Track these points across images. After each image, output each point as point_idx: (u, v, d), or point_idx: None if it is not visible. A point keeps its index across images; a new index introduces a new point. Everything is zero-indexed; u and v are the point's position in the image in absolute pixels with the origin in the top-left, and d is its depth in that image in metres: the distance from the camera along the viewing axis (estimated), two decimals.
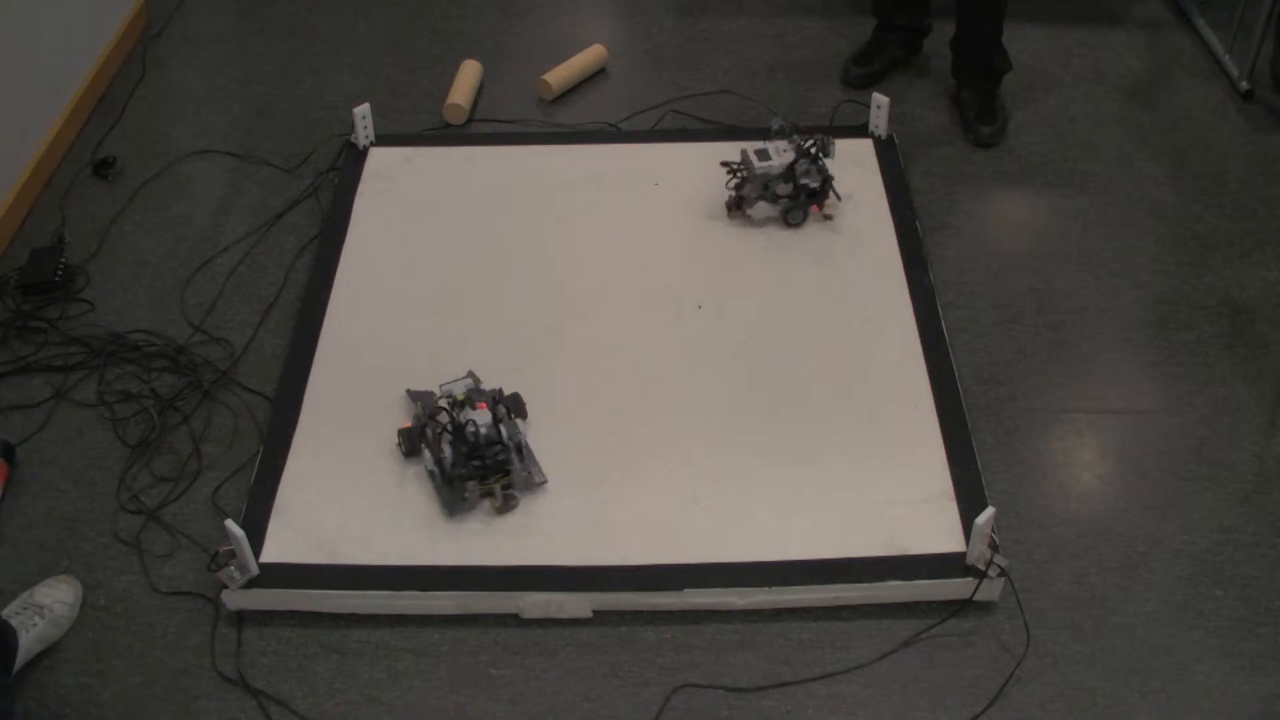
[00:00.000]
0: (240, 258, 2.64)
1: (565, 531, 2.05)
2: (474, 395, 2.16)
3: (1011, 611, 1.98)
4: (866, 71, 3.11)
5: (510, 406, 2.16)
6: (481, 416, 2.08)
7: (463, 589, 1.97)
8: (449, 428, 2.06)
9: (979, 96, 2.95)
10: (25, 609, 1.91)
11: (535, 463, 2.13)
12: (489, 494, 2.07)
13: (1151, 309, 2.49)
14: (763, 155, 2.56)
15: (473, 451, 2.04)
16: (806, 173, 2.56)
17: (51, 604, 1.93)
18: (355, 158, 2.84)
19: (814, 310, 2.43)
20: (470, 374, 2.24)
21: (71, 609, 1.96)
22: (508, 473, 2.07)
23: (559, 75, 3.07)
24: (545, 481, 2.10)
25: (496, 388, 2.20)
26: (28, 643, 1.85)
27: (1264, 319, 2.47)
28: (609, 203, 2.71)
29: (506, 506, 2.06)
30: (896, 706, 1.86)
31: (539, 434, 2.20)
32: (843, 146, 2.71)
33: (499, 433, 2.08)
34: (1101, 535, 2.09)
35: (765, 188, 2.58)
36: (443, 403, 2.13)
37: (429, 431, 2.11)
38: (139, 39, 3.31)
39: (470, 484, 2.05)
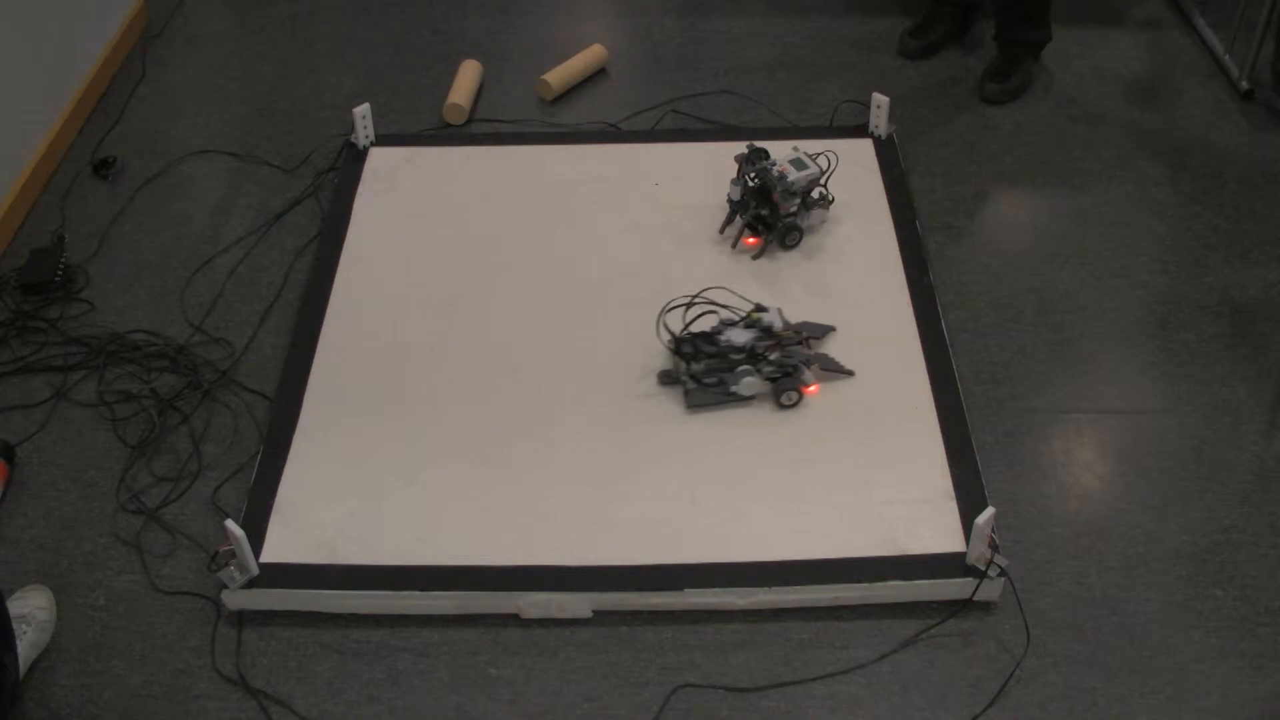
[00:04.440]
0: (240, 258, 2.64)
1: (565, 531, 2.05)
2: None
3: (1011, 611, 1.97)
4: (923, 44, 3.15)
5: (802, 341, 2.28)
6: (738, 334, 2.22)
7: (463, 589, 1.97)
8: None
9: (1002, 58, 3.04)
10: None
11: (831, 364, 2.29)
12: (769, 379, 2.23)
13: (1151, 309, 2.49)
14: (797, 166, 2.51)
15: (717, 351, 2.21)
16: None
17: (31, 612, 1.93)
18: (355, 158, 2.84)
19: (814, 310, 2.43)
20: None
21: (49, 612, 1.96)
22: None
23: (559, 75, 3.07)
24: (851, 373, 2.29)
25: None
26: (23, 651, 1.85)
27: (1264, 319, 2.46)
28: (609, 203, 2.70)
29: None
30: (896, 706, 1.86)
31: (538, 432, 2.20)
32: (843, 147, 2.71)
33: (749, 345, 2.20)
34: (1101, 535, 2.09)
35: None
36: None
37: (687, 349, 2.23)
38: (139, 39, 3.31)
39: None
